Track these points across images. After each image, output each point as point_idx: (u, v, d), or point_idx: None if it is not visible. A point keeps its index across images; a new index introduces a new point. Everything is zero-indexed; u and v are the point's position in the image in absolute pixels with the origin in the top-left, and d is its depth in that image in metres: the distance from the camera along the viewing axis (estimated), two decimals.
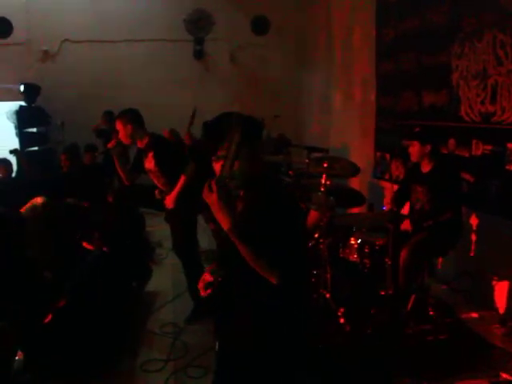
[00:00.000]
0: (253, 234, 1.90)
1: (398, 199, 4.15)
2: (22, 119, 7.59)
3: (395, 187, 4.34)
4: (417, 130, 4.06)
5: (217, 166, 1.99)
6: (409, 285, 3.79)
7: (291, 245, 1.97)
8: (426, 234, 3.79)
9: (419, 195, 3.95)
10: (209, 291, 2.10)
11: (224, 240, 1.99)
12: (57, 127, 8.06)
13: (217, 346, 2.15)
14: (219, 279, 2.08)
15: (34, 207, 3.60)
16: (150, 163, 4.06)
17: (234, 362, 2.05)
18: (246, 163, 1.97)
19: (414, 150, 3.92)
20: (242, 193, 2.09)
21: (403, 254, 3.73)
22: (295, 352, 2.05)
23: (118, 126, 4.04)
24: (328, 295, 3.87)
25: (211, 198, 1.89)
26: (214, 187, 1.87)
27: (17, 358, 3.17)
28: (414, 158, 3.99)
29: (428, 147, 3.86)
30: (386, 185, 6.03)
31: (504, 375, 3.16)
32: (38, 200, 4.36)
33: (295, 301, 2.04)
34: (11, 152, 6.36)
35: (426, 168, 3.94)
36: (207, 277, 2.15)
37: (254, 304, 2.02)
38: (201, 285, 2.16)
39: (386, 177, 6.09)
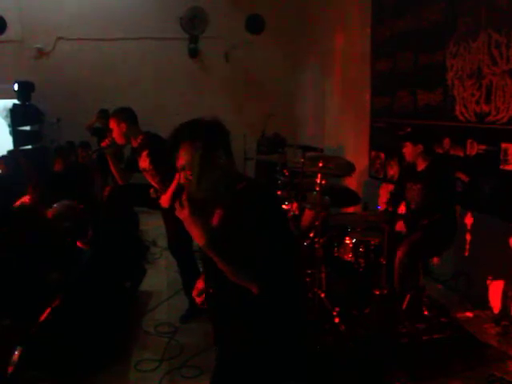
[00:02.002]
0: (231, 246, 1.83)
1: (394, 199, 4.16)
2: (16, 117, 7.55)
3: (391, 187, 4.35)
4: (408, 130, 4.06)
5: (180, 177, 1.91)
6: (404, 284, 3.79)
7: (271, 252, 1.86)
8: (421, 235, 3.79)
9: (414, 193, 3.96)
10: (203, 297, 2.09)
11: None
12: (50, 125, 8.02)
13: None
14: (210, 290, 2.04)
15: (22, 205, 3.61)
16: (144, 162, 4.04)
17: (233, 369, 2.03)
18: (212, 173, 1.88)
19: (407, 151, 3.95)
20: (215, 204, 1.98)
21: (398, 254, 3.73)
22: (293, 353, 2.04)
23: (112, 124, 4.02)
24: (323, 295, 3.87)
25: (183, 214, 1.82)
26: (185, 203, 1.81)
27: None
28: (408, 159, 4.02)
29: (420, 147, 3.87)
30: (381, 184, 6.04)
31: (498, 374, 3.17)
32: (26, 199, 4.36)
33: (286, 304, 1.98)
34: (9, 152, 6.38)
35: (420, 166, 3.96)
36: (200, 284, 2.13)
37: (244, 313, 1.97)
38: (195, 293, 2.14)
39: (381, 176, 6.09)
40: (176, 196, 1.84)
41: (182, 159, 1.88)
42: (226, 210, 1.95)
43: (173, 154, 1.91)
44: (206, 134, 1.90)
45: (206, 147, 1.86)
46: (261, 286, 1.85)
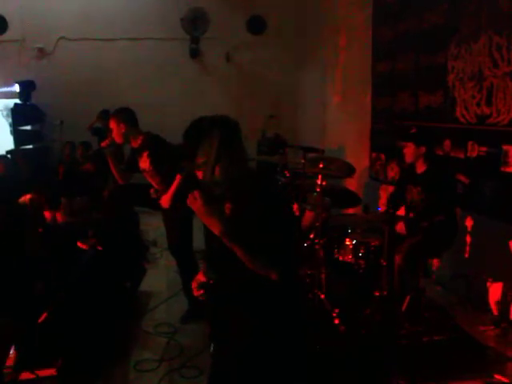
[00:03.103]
0: (245, 235, 1.89)
1: (394, 200, 4.15)
2: (17, 117, 7.57)
3: (390, 188, 4.35)
4: (412, 131, 4.06)
5: (199, 174, 2.00)
6: (404, 286, 3.79)
7: (284, 239, 1.97)
8: (421, 237, 3.79)
9: (414, 196, 3.96)
10: (201, 291, 2.10)
11: (211, 238, 1.99)
12: (51, 125, 8.03)
13: (211, 349, 2.14)
14: (211, 282, 2.07)
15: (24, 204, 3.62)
16: (144, 163, 4.05)
17: (230, 364, 2.03)
18: (226, 167, 1.96)
19: (409, 151, 3.94)
20: (228, 195, 2.05)
21: (398, 256, 3.73)
22: (293, 351, 2.05)
23: (112, 124, 4.04)
24: (323, 296, 3.87)
25: (197, 205, 1.89)
26: (198, 195, 1.87)
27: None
28: (408, 159, 4.00)
29: (423, 149, 3.87)
30: (382, 186, 6.04)
31: (497, 376, 3.17)
32: (27, 197, 4.38)
33: (290, 298, 2.03)
34: (8, 152, 6.40)
35: (420, 169, 3.95)
36: (201, 277, 2.15)
37: (249, 304, 2.01)
38: (194, 285, 2.16)
39: (381, 177, 6.09)
40: (184, 192, 1.89)
41: (201, 156, 1.94)
42: (233, 203, 2.00)
43: (191, 149, 1.97)
44: (222, 129, 1.97)
45: (222, 141, 1.92)
46: (280, 272, 1.91)
